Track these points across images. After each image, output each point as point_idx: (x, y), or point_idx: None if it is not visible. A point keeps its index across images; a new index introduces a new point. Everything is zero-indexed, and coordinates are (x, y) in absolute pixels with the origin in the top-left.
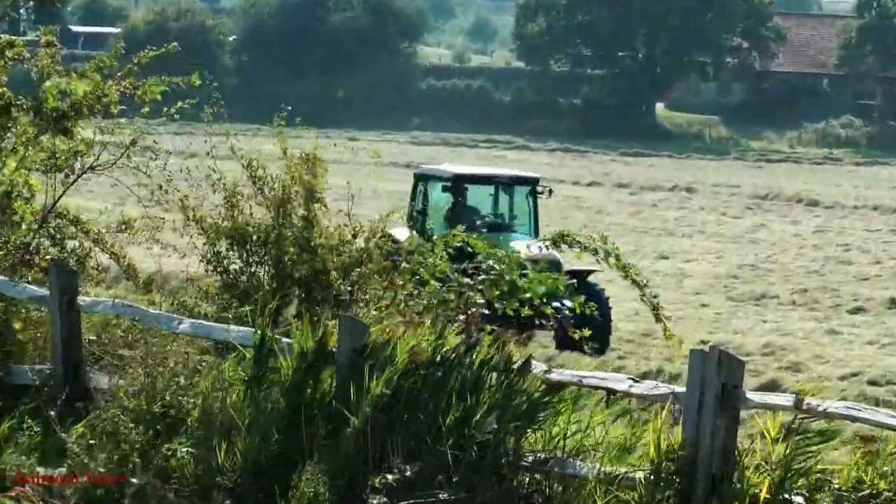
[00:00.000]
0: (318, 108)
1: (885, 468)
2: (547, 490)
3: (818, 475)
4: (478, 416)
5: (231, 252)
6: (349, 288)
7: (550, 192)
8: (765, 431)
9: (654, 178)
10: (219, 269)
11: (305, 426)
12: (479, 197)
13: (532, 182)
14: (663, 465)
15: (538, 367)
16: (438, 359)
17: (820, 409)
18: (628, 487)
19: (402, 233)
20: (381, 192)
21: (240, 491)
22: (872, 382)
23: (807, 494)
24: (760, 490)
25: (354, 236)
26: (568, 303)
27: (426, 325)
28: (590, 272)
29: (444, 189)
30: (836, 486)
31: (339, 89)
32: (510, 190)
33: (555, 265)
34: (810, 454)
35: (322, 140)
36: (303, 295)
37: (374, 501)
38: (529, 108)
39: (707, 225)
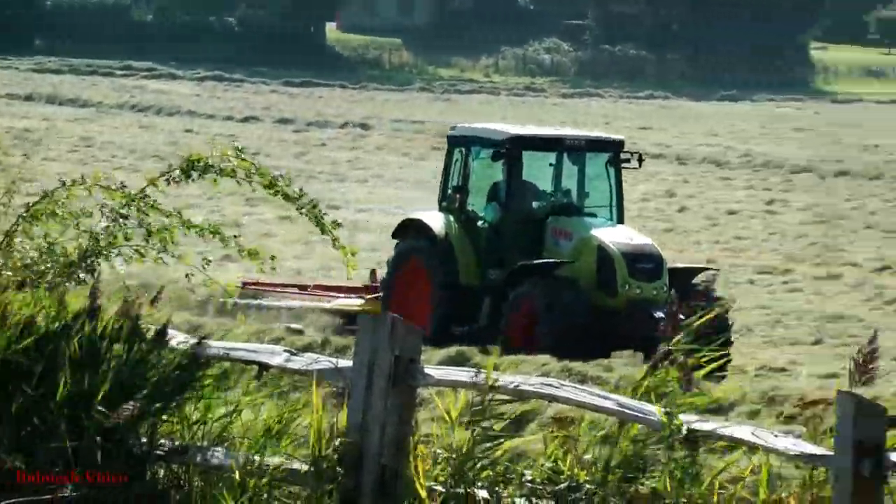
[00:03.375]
0: None
1: (585, 456)
2: (186, 485)
3: (507, 465)
4: (100, 396)
5: None
6: None
7: (641, 159)
8: (446, 414)
9: (323, 112)
10: None
11: None
12: (533, 167)
13: (615, 147)
14: (325, 454)
15: (176, 337)
16: (57, 328)
17: (511, 386)
18: (284, 481)
19: (434, 219)
20: None
21: None
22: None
23: (492, 487)
24: (438, 483)
25: None
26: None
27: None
28: (698, 270)
29: (496, 156)
30: (529, 478)
31: None
32: (580, 158)
33: (656, 261)
34: (498, 440)
35: None
36: None
37: None
38: (175, 30)
39: (386, 168)
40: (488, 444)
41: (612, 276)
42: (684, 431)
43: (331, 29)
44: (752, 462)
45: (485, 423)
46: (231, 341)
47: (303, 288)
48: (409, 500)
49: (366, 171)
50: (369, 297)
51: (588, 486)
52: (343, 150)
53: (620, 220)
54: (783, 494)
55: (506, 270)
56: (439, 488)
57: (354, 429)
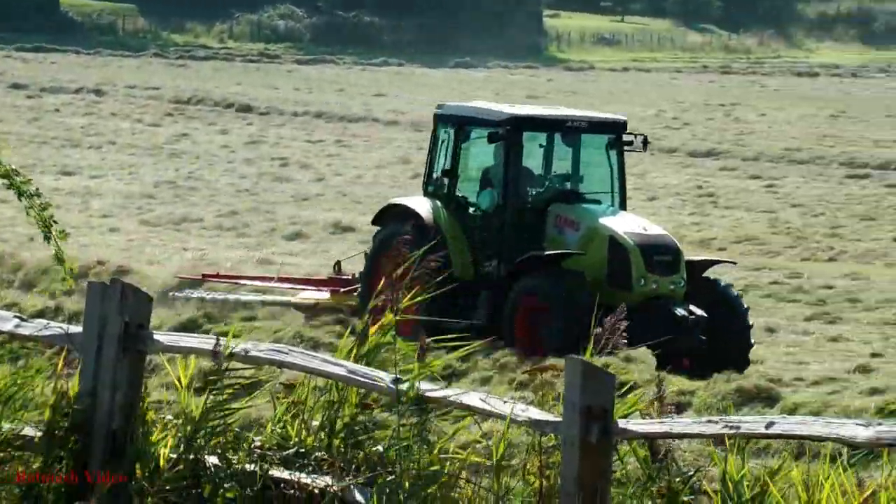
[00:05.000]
0: None
1: (313, 422)
2: None
3: (238, 431)
4: None
5: None
6: None
7: (646, 142)
8: (177, 381)
9: (57, 78)
10: None
11: None
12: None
13: (618, 128)
14: (57, 420)
15: None
16: None
17: (242, 352)
18: (15, 447)
19: (420, 204)
20: None
21: None
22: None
23: (222, 454)
24: (169, 449)
25: None
26: (698, 311)
27: None
28: (712, 262)
29: (493, 138)
30: (258, 444)
31: None
32: (576, 139)
33: (673, 253)
34: (229, 407)
35: None
36: None
37: None
38: None
39: (120, 134)
40: (219, 411)
41: (627, 270)
42: (413, 397)
43: None
44: (483, 428)
45: (216, 390)
46: None
47: (266, 279)
48: (140, 465)
49: (99, 137)
50: (344, 290)
51: (316, 451)
52: (77, 116)
53: (623, 207)
54: (514, 461)
55: (507, 262)
56: (170, 454)
57: (85, 394)
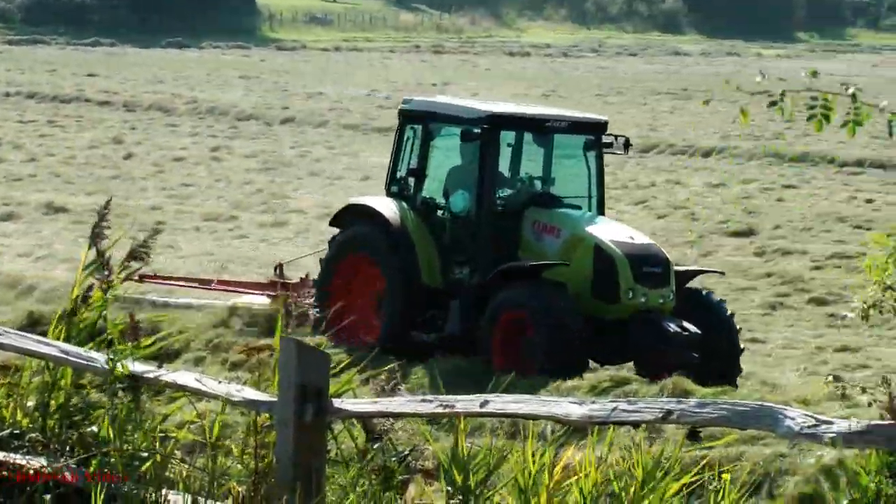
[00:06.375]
0: None
1: (28, 403)
2: None
3: None
4: None
5: None
6: None
7: (628, 144)
8: None
9: None
10: None
11: None
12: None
13: (597, 128)
14: None
15: None
16: None
17: None
18: None
19: (384, 205)
20: None
21: None
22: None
23: None
24: None
25: None
26: (692, 327)
27: None
28: (695, 273)
29: (467, 137)
30: None
31: None
32: (547, 140)
33: (663, 264)
34: None
35: None
36: None
37: None
38: None
39: None
40: None
41: (614, 282)
42: (126, 377)
43: None
44: (200, 408)
45: None
46: None
47: (205, 283)
48: None
49: None
50: (294, 294)
51: (31, 433)
52: None
53: (601, 213)
54: (229, 441)
55: (482, 270)
56: None
57: None
